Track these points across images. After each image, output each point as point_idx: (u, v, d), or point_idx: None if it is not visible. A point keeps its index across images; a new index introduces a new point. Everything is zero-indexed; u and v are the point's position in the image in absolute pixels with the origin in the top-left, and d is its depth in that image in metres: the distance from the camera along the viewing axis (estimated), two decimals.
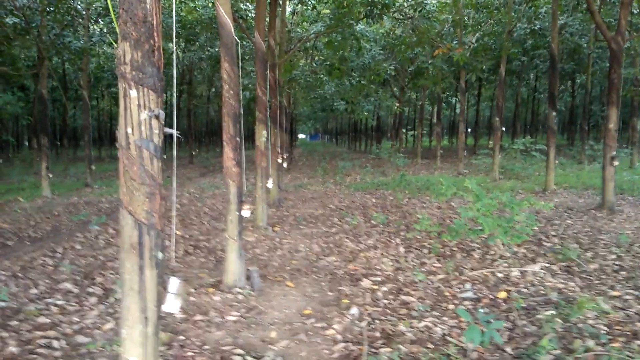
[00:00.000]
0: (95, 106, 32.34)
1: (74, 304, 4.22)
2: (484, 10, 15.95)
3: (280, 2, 12.26)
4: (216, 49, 18.92)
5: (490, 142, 15.81)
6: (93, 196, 11.92)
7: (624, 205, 8.65)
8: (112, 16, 2.50)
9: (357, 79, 19.29)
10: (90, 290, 4.58)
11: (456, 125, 32.18)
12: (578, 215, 7.94)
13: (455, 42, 15.47)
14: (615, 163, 8.06)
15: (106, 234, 7.18)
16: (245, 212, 4.95)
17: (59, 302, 4.22)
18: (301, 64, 18.71)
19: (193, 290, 4.49)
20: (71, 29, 14.66)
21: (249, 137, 36.48)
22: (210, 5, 16.34)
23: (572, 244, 5.93)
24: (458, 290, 4.46)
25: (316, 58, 17.81)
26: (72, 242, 6.66)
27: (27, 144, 32.63)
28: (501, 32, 16.06)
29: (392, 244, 6.26)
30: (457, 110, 30.91)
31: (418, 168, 18.48)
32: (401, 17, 14.78)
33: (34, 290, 4.52)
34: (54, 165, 24.60)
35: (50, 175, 12.23)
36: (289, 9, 17.27)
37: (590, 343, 3.20)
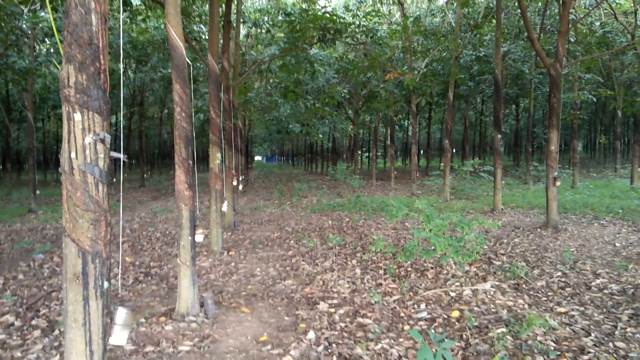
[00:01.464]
0: (40, 128, 31.09)
1: (16, 337, 3.98)
2: (432, 37, 16.58)
3: (234, 25, 12.31)
4: (168, 70, 18.67)
5: (441, 163, 16.25)
6: (37, 222, 11.36)
7: (567, 224, 9.05)
8: (57, 38, 2.42)
9: (312, 101, 19.48)
10: (33, 322, 4.33)
11: (409, 147, 32.94)
12: (525, 233, 8.24)
13: (405, 67, 15.94)
14: (558, 183, 8.45)
15: (51, 263, 6.83)
16: (199, 237, 4.84)
17: (0, 337, 3.97)
18: (256, 86, 18.73)
19: (143, 320, 4.31)
20: (16, 49, 14.11)
21: (204, 159, 35.91)
22: (162, 26, 16.18)
23: (520, 262, 6.13)
24: (413, 310, 4.51)
25: (271, 80, 17.90)
26: (15, 272, 6.31)
27: None
28: (448, 58, 16.71)
29: (348, 266, 6.27)
30: (410, 133, 31.73)
31: (373, 189, 18.72)
32: (353, 42, 15.14)
33: None
34: None
35: None
36: (243, 32, 17.35)
37: (540, 359, 3.29)
